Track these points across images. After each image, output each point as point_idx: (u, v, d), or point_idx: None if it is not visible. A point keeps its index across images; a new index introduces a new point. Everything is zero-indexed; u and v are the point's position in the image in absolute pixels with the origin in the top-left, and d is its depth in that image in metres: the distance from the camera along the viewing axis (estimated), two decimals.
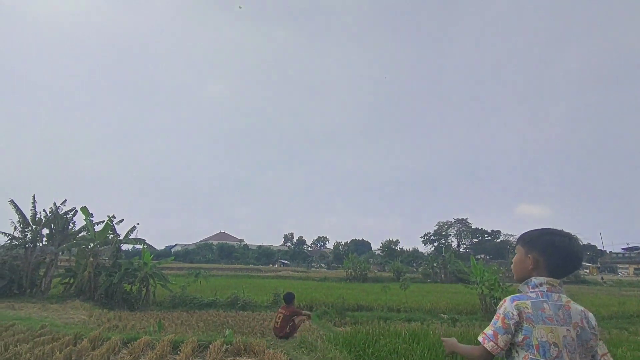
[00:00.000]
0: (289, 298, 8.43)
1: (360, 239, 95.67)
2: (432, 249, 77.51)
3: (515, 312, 1.53)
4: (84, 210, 17.09)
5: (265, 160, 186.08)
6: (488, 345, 1.55)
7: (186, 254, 73.03)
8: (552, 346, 1.45)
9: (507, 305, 1.56)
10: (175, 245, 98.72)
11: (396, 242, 75.74)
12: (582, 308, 1.61)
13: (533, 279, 1.63)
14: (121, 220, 17.57)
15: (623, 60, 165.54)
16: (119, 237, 17.41)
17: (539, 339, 1.47)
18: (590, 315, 1.61)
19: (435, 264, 47.20)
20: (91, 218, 17.10)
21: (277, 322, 7.93)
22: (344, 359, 5.26)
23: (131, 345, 5.70)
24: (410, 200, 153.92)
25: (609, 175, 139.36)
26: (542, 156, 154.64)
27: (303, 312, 8.95)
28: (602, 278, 53.83)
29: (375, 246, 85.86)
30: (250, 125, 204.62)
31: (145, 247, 18.18)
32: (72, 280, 15.91)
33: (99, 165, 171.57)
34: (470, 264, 19.11)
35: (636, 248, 74.36)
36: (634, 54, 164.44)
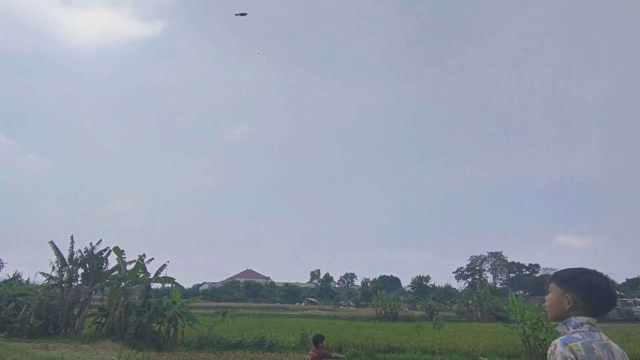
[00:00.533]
0: (318, 340, 8.18)
1: (389, 275, 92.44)
2: (466, 284, 73.63)
3: (572, 356, 1.45)
4: (117, 249, 17.69)
5: (291, 196, 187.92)
6: None
7: (213, 292, 72.93)
8: None
9: (561, 349, 1.49)
10: (203, 283, 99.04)
11: (427, 278, 72.59)
12: (619, 347, 1.57)
13: (573, 319, 1.59)
14: (152, 259, 18.02)
15: None
16: (149, 275, 17.77)
17: None
18: (625, 353, 1.58)
19: (470, 301, 44.64)
20: (123, 257, 17.64)
21: None
22: None
23: None
24: (441, 234, 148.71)
25: None
26: (581, 184, 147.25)
27: (333, 354, 8.63)
28: None
29: (405, 282, 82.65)
30: (276, 162, 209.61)
31: (174, 286, 18.41)
32: (104, 320, 16.19)
33: (132, 205, 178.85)
34: (508, 300, 17.98)
35: None
36: None
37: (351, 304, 71.11)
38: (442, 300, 58.92)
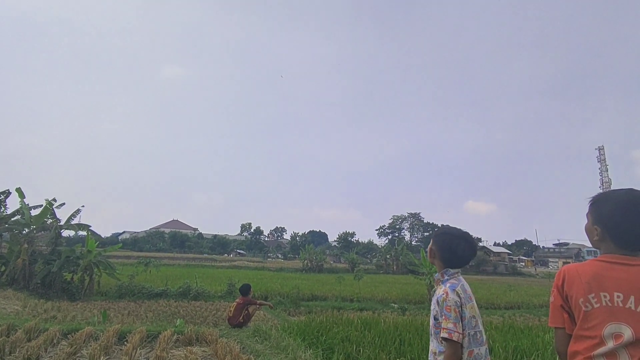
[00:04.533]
0: (244, 290, 8.32)
1: (318, 230, 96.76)
2: (387, 241, 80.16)
3: (458, 299, 1.79)
4: (19, 191, 15.62)
5: (223, 147, 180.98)
6: (455, 337, 1.73)
7: (135, 242, 69.46)
8: (472, 318, 1.80)
9: (452, 295, 1.80)
10: (124, 232, 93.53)
11: (352, 234, 77.42)
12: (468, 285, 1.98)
13: (450, 269, 1.94)
14: (62, 204, 16.30)
15: (565, 73, 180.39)
16: (60, 222, 16.16)
17: (467, 317, 1.78)
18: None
19: (388, 256, 48.96)
20: (26, 201, 15.68)
21: (231, 311, 7.84)
22: (297, 346, 5.32)
23: (72, 336, 5.34)
24: (367, 194, 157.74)
25: (545, 177, 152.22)
26: (489, 157, 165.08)
27: (260, 301, 8.92)
28: (536, 270, 59.00)
29: (332, 238, 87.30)
30: (209, 109, 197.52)
31: (89, 233, 17.03)
32: (3, 269, 14.56)
33: (39, 143, 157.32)
34: (420, 256, 20.06)
35: (565, 244, 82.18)
36: (574, 69, 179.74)
37: (279, 256, 73.46)
38: (364, 254, 63.76)
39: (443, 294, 1.80)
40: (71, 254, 14.89)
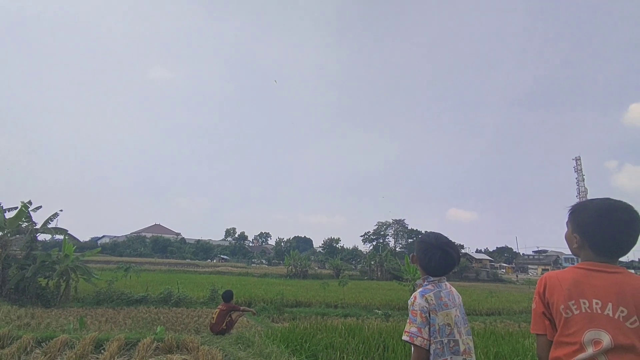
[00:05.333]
0: (227, 296, 8.21)
1: (303, 236, 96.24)
2: (371, 247, 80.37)
3: (426, 305, 1.78)
4: None
5: (208, 151, 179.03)
6: (418, 341, 1.73)
7: (115, 247, 67.61)
8: (447, 326, 1.77)
9: (419, 300, 1.81)
10: (103, 236, 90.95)
11: (337, 240, 77.41)
12: (456, 291, 2.00)
13: (430, 277, 1.94)
14: (39, 207, 15.75)
15: (542, 84, 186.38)
16: (36, 225, 15.60)
17: (439, 324, 1.76)
18: (460, 295, 2.02)
19: (372, 262, 49.12)
20: (0, 203, 15.09)
21: (213, 318, 7.70)
22: (281, 353, 5.26)
23: (46, 344, 5.14)
24: (352, 200, 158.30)
25: (524, 186, 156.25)
26: (471, 166, 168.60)
27: (243, 307, 8.80)
28: (517, 277, 60.19)
29: (317, 243, 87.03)
30: (194, 113, 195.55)
31: (66, 237, 16.47)
32: None
33: (16, 144, 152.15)
34: (405, 262, 20.22)
35: (544, 251, 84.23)
36: (552, 80, 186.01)
37: (264, 262, 72.73)
38: (349, 260, 63.76)
39: (412, 298, 1.84)
40: (47, 258, 14.36)
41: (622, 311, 1.30)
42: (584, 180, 77.65)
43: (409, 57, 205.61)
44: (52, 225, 16.46)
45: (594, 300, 1.34)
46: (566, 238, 1.59)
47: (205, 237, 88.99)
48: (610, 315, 1.31)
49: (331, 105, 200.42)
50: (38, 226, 15.70)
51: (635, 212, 1.42)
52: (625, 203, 1.46)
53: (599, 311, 1.32)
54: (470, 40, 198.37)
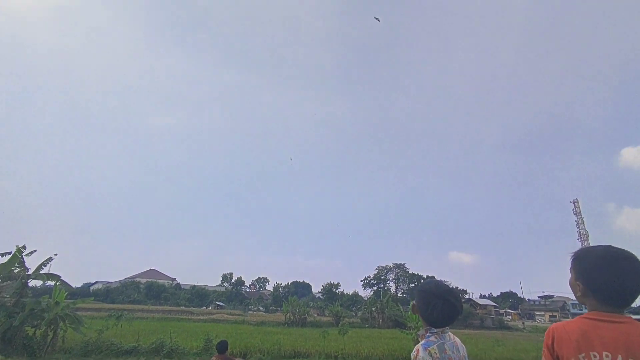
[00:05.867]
0: (221, 347, 7.87)
1: (301, 281, 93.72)
2: (372, 293, 77.92)
3: (430, 358, 1.71)
4: None
5: (205, 195, 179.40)
6: None
7: (107, 293, 65.44)
8: None
9: (422, 354, 1.73)
10: (96, 282, 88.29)
11: (337, 285, 75.21)
12: (460, 341, 1.92)
13: (432, 329, 1.85)
14: (33, 252, 15.49)
15: (537, 128, 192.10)
16: (28, 271, 15.25)
17: None
18: (464, 346, 1.93)
19: (373, 309, 47.39)
20: None
21: None
22: None
23: None
24: (352, 244, 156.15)
25: (526, 229, 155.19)
26: (470, 210, 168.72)
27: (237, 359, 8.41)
28: (523, 324, 57.79)
29: (316, 289, 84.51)
30: (192, 159, 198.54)
31: (58, 284, 16.03)
32: None
33: (11, 187, 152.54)
34: (408, 308, 19.56)
35: (550, 296, 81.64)
36: (546, 123, 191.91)
37: (261, 308, 70.14)
38: (349, 307, 61.53)
39: (414, 352, 1.77)
40: (36, 306, 13.89)
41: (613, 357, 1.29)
42: (583, 223, 77.37)
43: (406, 103, 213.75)
44: (45, 270, 16.10)
45: (604, 353, 1.30)
46: (570, 285, 1.57)
47: (201, 283, 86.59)
48: None
49: (330, 150, 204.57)
50: (30, 272, 15.35)
51: (637, 261, 1.40)
52: (627, 252, 1.44)
53: None
54: (466, 87, 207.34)
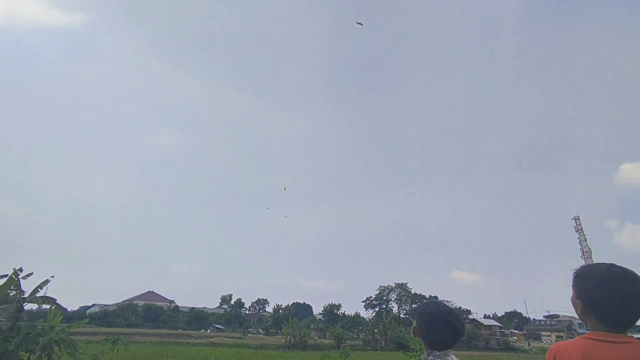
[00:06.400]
0: None
1: (302, 302, 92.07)
2: (374, 313, 76.53)
3: None
4: None
5: (204, 215, 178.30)
6: None
7: (104, 316, 64.22)
8: None
9: None
10: (93, 305, 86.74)
11: (338, 307, 73.91)
12: None
13: (435, 352, 1.80)
14: (29, 274, 15.30)
15: (536, 145, 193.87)
16: (24, 294, 15.01)
17: None
18: None
19: (376, 330, 46.38)
20: None
21: None
22: None
23: None
24: (353, 264, 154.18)
25: (528, 247, 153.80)
26: (473, 228, 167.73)
27: None
28: (529, 344, 56.43)
29: (317, 310, 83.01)
30: (191, 179, 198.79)
31: (54, 307, 15.73)
32: None
33: (8, 209, 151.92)
34: (410, 330, 19.17)
35: (556, 316, 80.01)
36: (545, 140, 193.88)
37: (261, 331, 68.68)
38: (350, 328, 60.27)
39: None
40: (31, 330, 13.59)
41: None
42: (586, 240, 76.78)
43: (404, 122, 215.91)
44: (41, 293, 15.85)
45: None
46: (572, 302, 1.56)
47: (200, 305, 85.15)
48: None
49: (331, 170, 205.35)
50: (26, 295, 15.11)
51: (638, 280, 1.37)
52: (629, 271, 1.41)
53: None
54: (465, 103, 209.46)
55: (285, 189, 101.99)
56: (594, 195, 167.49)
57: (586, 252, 75.26)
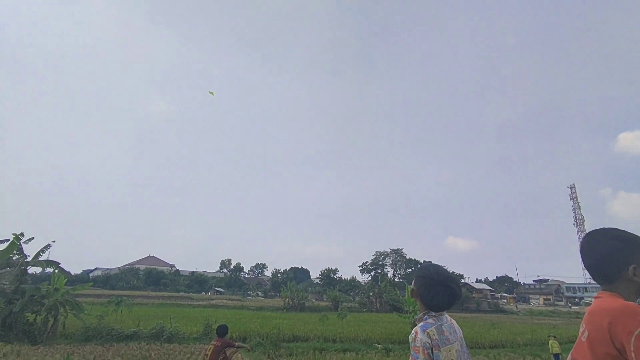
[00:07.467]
0: (222, 331, 7.94)
1: (300, 267, 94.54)
2: (370, 278, 78.88)
3: (429, 341, 1.69)
4: None
5: (204, 182, 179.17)
6: None
7: (107, 280, 65.91)
8: None
9: (421, 336, 1.71)
10: (95, 269, 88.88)
11: (335, 271, 75.94)
12: (456, 323, 1.92)
13: (431, 312, 1.83)
14: (31, 239, 15.48)
15: (535, 113, 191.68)
16: (26, 258, 15.26)
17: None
18: (460, 328, 1.93)
19: (371, 293, 48.02)
20: None
21: (207, 355, 7.39)
22: None
23: None
24: (350, 230, 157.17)
25: (522, 214, 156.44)
26: (467, 195, 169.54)
27: (238, 344, 8.48)
28: (517, 307, 58.84)
29: (315, 274, 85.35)
30: (190, 145, 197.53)
31: (57, 270, 16.07)
32: None
33: (9, 175, 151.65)
34: (405, 293, 19.80)
35: (545, 280, 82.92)
36: (544, 109, 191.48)
37: (260, 294, 70.94)
38: (347, 292, 62.32)
39: (413, 334, 1.75)
40: (36, 292, 13.95)
41: (583, 329, 1.38)
42: (580, 208, 78.00)
43: (404, 89, 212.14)
44: (43, 257, 16.12)
45: (583, 324, 1.41)
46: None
47: (200, 269, 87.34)
48: (582, 340, 1.37)
49: (328, 136, 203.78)
50: (29, 259, 15.36)
51: (597, 236, 1.48)
52: (603, 229, 1.50)
53: (579, 334, 1.41)
54: (462, 76, 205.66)
55: (296, 158, 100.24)
56: (591, 163, 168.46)
57: (579, 220, 76.68)
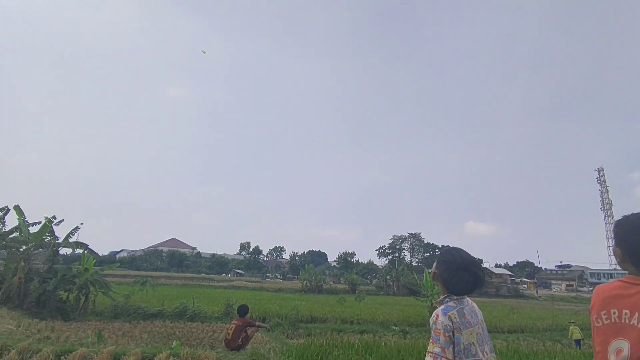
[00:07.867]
0: (242, 311, 8.20)
1: (317, 250, 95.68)
2: (387, 262, 79.09)
3: (450, 324, 1.69)
4: (17, 209, 15.57)
5: (224, 166, 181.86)
6: None
7: (132, 261, 68.58)
8: (472, 345, 1.69)
9: (442, 319, 1.71)
10: (121, 251, 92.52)
11: (352, 255, 76.46)
12: (477, 306, 1.92)
13: (452, 295, 1.84)
14: (61, 221, 16.21)
15: (563, 95, 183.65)
16: (58, 239, 16.01)
17: (464, 343, 1.68)
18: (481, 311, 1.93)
19: (388, 277, 48.25)
20: (25, 218, 15.59)
21: (229, 334, 7.66)
22: None
23: (65, 357, 5.20)
24: (367, 214, 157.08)
25: (546, 199, 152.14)
26: (489, 178, 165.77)
27: (258, 323, 8.74)
28: (537, 292, 57.99)
29: (332, 258, 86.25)
30: (211, 131, 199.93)
31: (86, 252, 16.83)
32: None
33: (40, 161, 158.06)
34: (423, 277, 19.78)
35: (568, 266, 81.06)
36: (572, 90, 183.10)
37: (278, 276, 72.37)
38: (364, 275, 62.79)
39: (434, 317, 1.75)
40: (67, 272, 14.68)
41: (624, 314, 1.35)
42: (607, 192, 75.14)
43: (426, 70, 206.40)
44: (72, 239, 16.88)
45: (624, 311, 1.36)
46: (613, 252, 1.62)
47: (220, 252, 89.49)
48: (635, 324, 1.32)
49: (347, 120, 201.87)
50: (60, 240, 16.12)
51: None
52: None
53: (627, 321, 1.35)
54: (487, 51, 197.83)
55: (314, 140, 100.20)
56: (620, 146, 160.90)
57: (607, 204, 74.03)
